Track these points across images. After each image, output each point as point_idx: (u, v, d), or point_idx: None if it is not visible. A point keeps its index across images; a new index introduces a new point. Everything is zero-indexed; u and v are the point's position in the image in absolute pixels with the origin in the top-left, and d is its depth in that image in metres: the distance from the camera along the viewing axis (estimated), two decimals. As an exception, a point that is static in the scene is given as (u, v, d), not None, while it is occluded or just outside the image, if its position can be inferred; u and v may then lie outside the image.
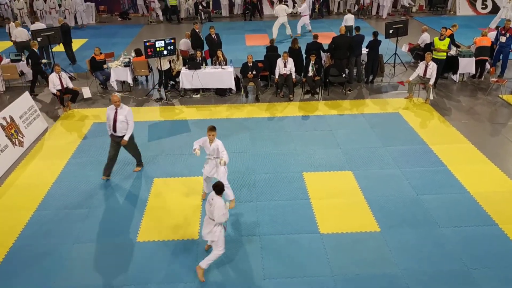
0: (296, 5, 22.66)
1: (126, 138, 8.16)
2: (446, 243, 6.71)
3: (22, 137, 9.77)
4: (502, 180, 8.33)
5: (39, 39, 13.24)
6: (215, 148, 7.09)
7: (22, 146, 9.67)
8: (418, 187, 8.11)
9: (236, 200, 7.73)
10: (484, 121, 10.79)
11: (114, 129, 8.12)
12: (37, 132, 10.38)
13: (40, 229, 7.16)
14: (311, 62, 12.16)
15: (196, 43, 14.16)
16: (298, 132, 10.31)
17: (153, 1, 22.47)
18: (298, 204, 7.71)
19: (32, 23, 16.58)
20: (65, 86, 11.48)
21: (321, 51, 13.07)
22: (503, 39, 13.18)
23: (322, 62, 13.12)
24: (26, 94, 10.75)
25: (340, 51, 12.73)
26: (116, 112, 8.04)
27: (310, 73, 12.22)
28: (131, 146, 8.52)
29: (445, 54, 12.47)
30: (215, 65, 12.84)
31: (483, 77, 13.55)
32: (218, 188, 5.92)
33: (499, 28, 13.50)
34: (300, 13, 19.32)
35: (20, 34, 15.02)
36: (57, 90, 11.37)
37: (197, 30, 14.21)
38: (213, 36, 13.71)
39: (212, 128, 7.02)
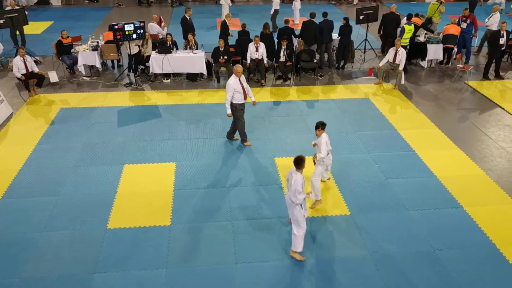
0: None
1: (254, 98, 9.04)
2: (414, 226, 6.90)
3: (-14, 123, 9.45)
4: (467, 164, 8.60)
5: (1, 21, 12.72)
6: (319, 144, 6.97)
7: (-14, 133, 9.37)
8: (387, 171, 8.28)
9: (208, 186, 7.75)
10: (450, 107, 11.06)
11: (245, 97, 8.75)
12: (1, 118, 10.04)
13: (7, 217, 6.98)
14: (283, 47, 12.14)
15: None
16: (270, 118, 10.33)
17: None
18: (270, 189, 7.76)
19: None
20: (30, 70, 11.12)
21: (293, 36, 13.04)
22: (464, 25, 13.47)
23: (294, 47, 13.12)
24: (-11, 78, 10.38)
25: (309, 36, 12.73)
26: (241, 82, 8.58)
27: (282, 59, 12.21)
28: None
29: (407, 40, 12.74)
30: (186, 49, 12.66)
31: (450, 63, 13.86)
32: (296, 161, 5.73)
33: (460, 16, 13.80)
34: None
35: None
36: (22, 74, 11.00)
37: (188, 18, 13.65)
38: (188, 18, 13.47)
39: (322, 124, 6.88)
